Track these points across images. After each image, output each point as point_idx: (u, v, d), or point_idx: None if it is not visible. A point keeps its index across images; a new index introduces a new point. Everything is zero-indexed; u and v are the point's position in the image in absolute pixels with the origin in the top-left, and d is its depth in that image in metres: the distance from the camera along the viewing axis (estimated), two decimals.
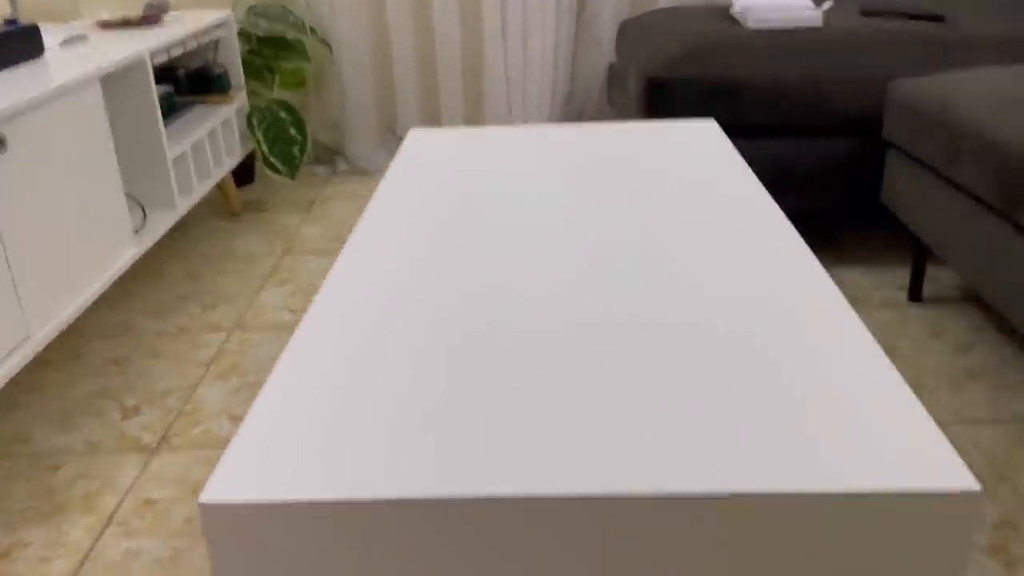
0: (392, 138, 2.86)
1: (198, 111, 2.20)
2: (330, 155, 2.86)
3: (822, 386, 0.66)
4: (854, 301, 1.80)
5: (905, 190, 1.68)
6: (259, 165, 2.75)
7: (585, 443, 0.61)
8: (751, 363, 0.70)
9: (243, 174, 2.64)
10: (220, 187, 2.36)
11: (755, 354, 0.71)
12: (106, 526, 1.24)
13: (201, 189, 2.06)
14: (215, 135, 2.18)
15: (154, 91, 1.83)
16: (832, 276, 1.92)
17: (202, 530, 0.61)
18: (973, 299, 1.79)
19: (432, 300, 0.84)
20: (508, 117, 2.79)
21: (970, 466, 1.28)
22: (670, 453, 0.59)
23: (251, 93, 2.46)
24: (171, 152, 1.90)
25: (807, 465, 0.57)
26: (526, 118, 2.81)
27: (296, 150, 2.37)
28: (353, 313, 0.82)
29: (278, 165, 2.35)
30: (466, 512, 0.57)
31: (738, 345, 0.73)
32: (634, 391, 0.67)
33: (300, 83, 2.63)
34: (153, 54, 1.87)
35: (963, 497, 0.55)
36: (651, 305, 0.81)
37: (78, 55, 1.72)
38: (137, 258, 1.73)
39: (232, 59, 2.34)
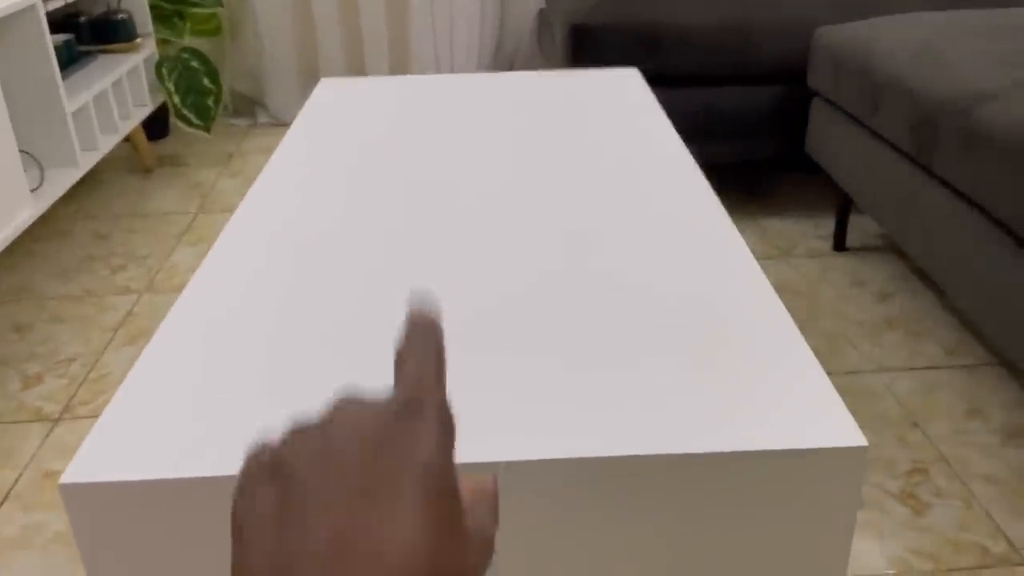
0: (315, 87, 2.76)
1: (101, 61, 2.08)
2: (250, 106, 2.75)
3: (716, 340, 0.64)
4: (779, 251, 1.80)
5: (828, 139, 1.67)
6: (174, 118, 2.63)
7: (480, 409, 0.58)
8: (645, 316, 0.67)
9: (157, 128, 2.52)
10: (131, 141, 2.24)
11: (650, 307, 0.69)
12: (3, 501, 1.18)
13: (106, 144, 1.95)
14: (120, 86, 2.06)
15: (48, 39, 1.71)
16: (758, 226, 1.92)
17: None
18: (896, 248, 1.81)
19: (327, 262, 0.79)
20: (436, 66, 2.71)
21: (885, 413, 1.29)
22: (557, 415, 0.56)
23: (161, 41, 2.33)
24: (70, 105, 1.79)
25: (696, 425, 0.55)
26: (454, 67, 2.74)
27: (211, 101, 2.26)
28: (239, 278, 0.77)
29: (192, 117, 2.24)
30: None
31: (632, 297, 0.70)
32: (524, 348, 0.64)
33: (215, 30, 2.50)
34: None
35: (851, 452, 0.54)
36: (550, 256, 0.77)
37: None
38: (35, 218, 1.64)
39: (138, 4, 2.21)
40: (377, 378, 0.62)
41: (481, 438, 0.55)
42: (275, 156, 1.07)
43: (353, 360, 0.64)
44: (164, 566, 0.56)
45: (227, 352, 0.66)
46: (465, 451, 0.54)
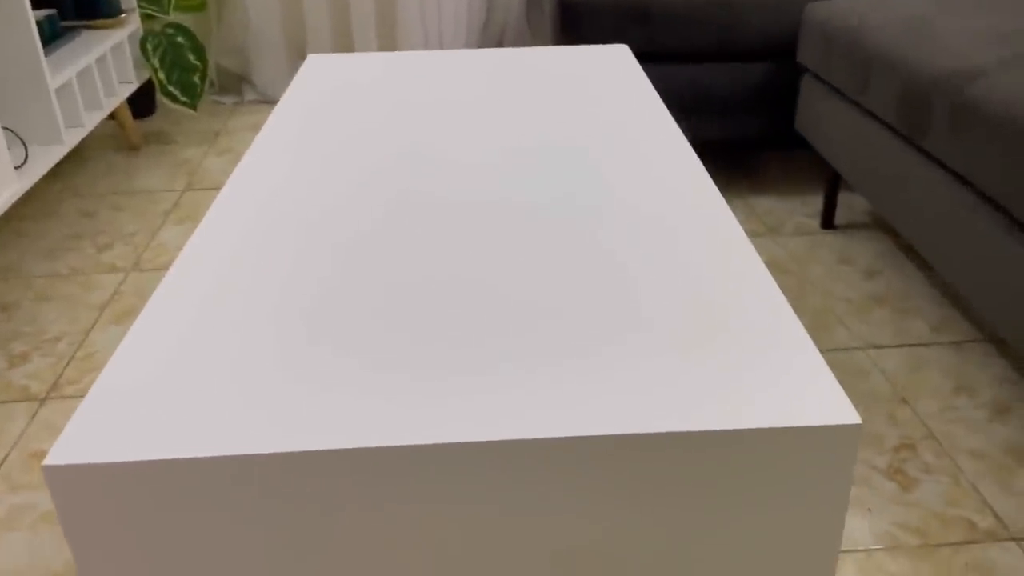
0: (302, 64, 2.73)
1: (85, 37, 2.05)
2: (236, 83, 2.72)
3: (708, 318, 0.64)
4: (767, 228, 1.80)
5: (817, 116, 1.66)
6: (160, 95, 2.60)
7: (467, 388, 0.57)
8: (636, 293, 0.67)
9: (143, 105, 2.49)
10: (117, 119, 2.22)
11: (641, 284, 0.68)
12: None
13: (91, 121, 1.93)
14: (104, 63, 2.03)
15: (30, 14, 1.69)
16: (746, 203, 1.91)
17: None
18: (883, 225, 1.81)
19: (314, 240, 0.79)
20: (424, 41, 2.69)
21: (873, 390, 1.30)
22: (544, 394, 0.56)
23: (145, 17, 2.30)
24: (54, 81, 1.77)
25: (689, 402, 0.55)
26: (442, 43, 2.71)
27: (197, 78, 2.24)
28: (225, 256, 0.76)
29: (177, 94, 2.22)
30: (318, 466, 0.53)
31: (623, 274, 0.70)
32: (511, 326, 0.63)
33: (200, 5, 2.47)
34: None
35: (844, 430, 0.54)
36: (539, 232, 0.77)
37: None
38: (20, 196, 1.62)
39: None
40: (365, 356, 0.61)
41: (468, 418, 0.55)
42: (262, 133, 1.06)
43: (341, 337, 0.63)
44: (151, 548, 0.56)
45: (214, 331, 0.65)
46: (456, 431, 0.54)
